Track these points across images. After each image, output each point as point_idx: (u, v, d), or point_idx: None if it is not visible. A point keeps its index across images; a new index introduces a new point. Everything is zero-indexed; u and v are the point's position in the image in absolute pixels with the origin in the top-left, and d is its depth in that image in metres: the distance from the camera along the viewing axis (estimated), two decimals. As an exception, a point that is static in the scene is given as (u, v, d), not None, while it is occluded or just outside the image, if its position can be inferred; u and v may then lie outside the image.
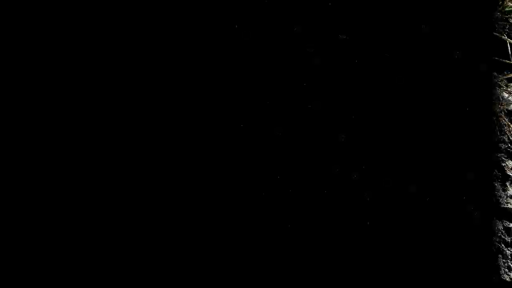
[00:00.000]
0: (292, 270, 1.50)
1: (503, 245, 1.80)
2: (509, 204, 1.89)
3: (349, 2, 1.69)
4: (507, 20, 2.27)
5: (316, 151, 1.58)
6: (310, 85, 1.63)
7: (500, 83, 2.11)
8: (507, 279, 1.75)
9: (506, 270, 1.77)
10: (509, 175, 1.96)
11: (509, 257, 1.79)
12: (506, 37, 2.13)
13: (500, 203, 1.90)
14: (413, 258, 1.57)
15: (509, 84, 2.14)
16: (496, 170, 1.97)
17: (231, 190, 1.56)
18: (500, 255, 1.79)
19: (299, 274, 1.49)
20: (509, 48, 2.08)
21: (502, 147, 2.01)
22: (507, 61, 2.09)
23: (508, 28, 2.27)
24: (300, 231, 1.52)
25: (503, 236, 1.82)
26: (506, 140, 2.03)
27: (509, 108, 2.04)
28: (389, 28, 1.74)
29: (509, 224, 1.86)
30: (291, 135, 1.59)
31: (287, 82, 1.64)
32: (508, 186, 1.94)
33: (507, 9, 2.16)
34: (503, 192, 1.92)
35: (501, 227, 1.84)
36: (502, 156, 1.99)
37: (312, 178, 1.56)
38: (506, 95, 2.04)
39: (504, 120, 2.03)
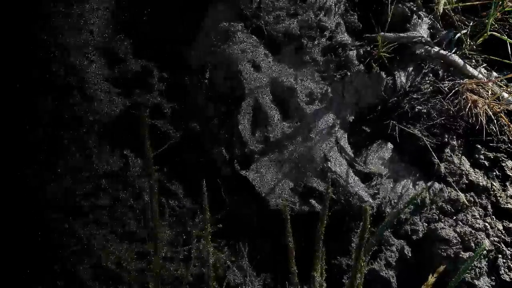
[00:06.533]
0: None
1: (503, 245, 1.80)
2: (509, 204, 1.89)
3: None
4: (507, 20, 2.27)
5: None
6: None
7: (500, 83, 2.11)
8: (507, 279, 1.75)
9: (506, 270, 1.77)
10: (509, 175, 1.96)
11: (509, 257, 1.79)
12: (506, 37, 2.13)
13: (500, 203, 1.89)
14: None
15: (509, 84, 2.14)
16: (496, 170, 1.97)
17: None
18: (500, 255, 1.78)
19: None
20: (509, 48, 2.08)
21: (502, 147, 2.01)
22: (507, 61, 2.09)
23: (508, 28, 2.27)
24: None
25: (503, 236, 1.82)
26: (506, 140, 2.03)
27: (509, 108, 2.04)
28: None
29: (509, 224, 1.86)
30: None
31: None
32: (508, 186, 1.94)
33: (507, 9, 2.16)
34: (503, 192, 1.92)
35: (501, 227, 1.84)
36: (502, 156, 1.99)
37: None
38: (506, 95, 2.04)
39: (504, 120, 2.03)
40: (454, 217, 1.85)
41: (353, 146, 1.95)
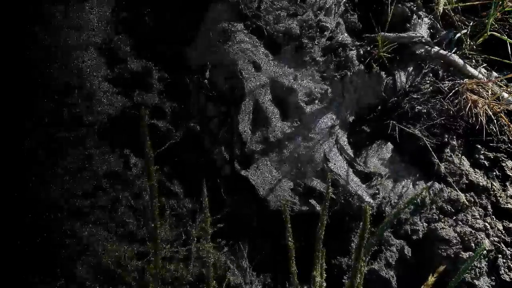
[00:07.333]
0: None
1: (503, 245, 1.80)
2: (509, 204, 1.89)
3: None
4: (507, 20, 2.27)
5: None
6: None
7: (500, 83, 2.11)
8: (507, 279, 1.75)
9: (506, 270, 1.77)
10: (509, 175, 1.96)
11: (509, 257, 1.79)
12: (506, 37, 2.13)
13: (500, 203, 1.89)
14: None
15: (509, 84, 2.14)
16: (496, 170, 1.97)
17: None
18: (500, 255, 1.78)
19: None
20: (509, 48, 2.08)
21: (502, 147, 2.01)
22: (507, 61, 2.09)
23: (508, 28, 2.27)
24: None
25: (503, 236, 1.82)
26: (506, 140, 2.03)
27: (509, 108, 2.04)
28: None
29: (509, 224, 1.86)
30: None
31: None
32: (508, 186, 1.94)
33: (507, 9, 2.16)
34: (503, 192, 1.92)
35: (501, 227, 1.84)
36: (502, 156, 1.99)
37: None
38: (506, 95, 2.04)
39: (504, 120, 2.03)
40: (454, 217, 1.85)
41: (353, 146, 1.95)
